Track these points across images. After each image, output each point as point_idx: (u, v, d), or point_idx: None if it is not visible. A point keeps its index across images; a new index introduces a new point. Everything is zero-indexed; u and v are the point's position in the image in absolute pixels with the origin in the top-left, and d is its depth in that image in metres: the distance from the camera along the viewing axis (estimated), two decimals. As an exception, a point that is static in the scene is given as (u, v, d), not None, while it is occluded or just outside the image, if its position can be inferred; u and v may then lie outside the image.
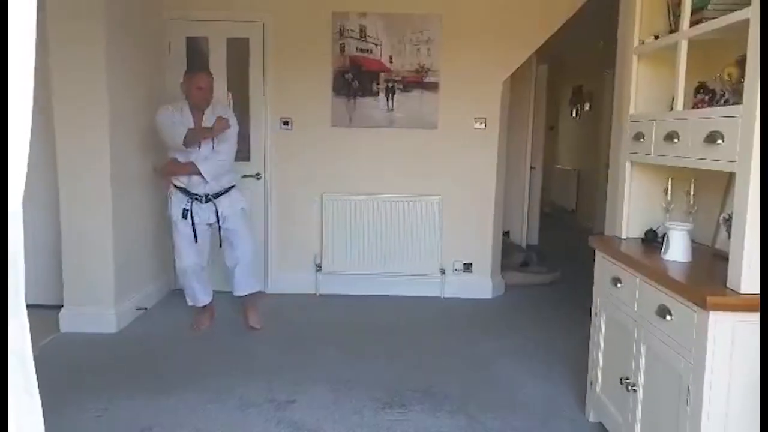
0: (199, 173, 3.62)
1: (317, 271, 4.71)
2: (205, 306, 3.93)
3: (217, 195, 3.74)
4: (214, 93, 3.75)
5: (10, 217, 0.92)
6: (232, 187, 3.85)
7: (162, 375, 3.20)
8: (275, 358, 3.45)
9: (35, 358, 1.04)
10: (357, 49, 4.54)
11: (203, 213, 3.74)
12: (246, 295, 3.91)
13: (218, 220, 3.76)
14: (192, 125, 3.63)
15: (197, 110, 3.69)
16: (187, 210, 3.71)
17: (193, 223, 3.71)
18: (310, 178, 4.68)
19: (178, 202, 3.73)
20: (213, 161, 3.65)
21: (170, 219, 3.78)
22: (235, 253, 3.83)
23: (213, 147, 3.66)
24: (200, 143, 3.62)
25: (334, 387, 3.08)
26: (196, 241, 3.74)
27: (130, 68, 3.96)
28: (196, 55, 4.58)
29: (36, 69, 0.95)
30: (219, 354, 3.52)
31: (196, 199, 3.72)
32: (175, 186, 3.73)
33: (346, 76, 4.56)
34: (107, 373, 3.22)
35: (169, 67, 4.51)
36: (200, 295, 3.86)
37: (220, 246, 3.85)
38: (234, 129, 3.75)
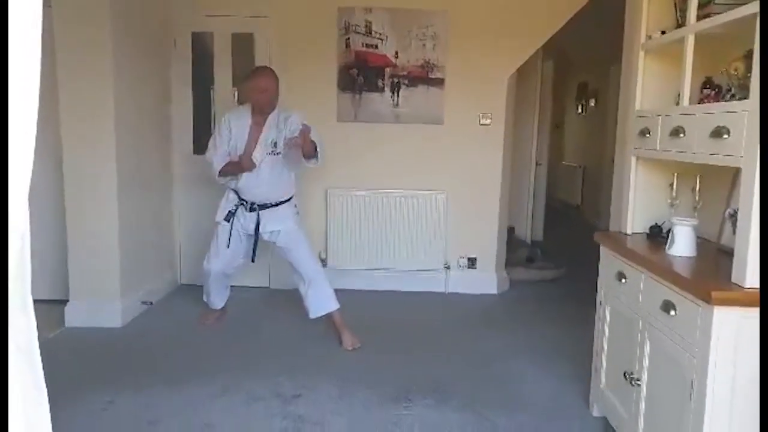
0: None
1: (322, 266, 4.70)
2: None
3: (264, 206, 3.52)
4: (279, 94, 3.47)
5: (17, 212, 0.92)
6: (286, 201, 3.59)
7: (167, 369, 3.22)
8: (281, 353, 3.46)
9: (41, 352, 1.05)
10: (362, 44, 4.53)
11: (245, 221, 3.54)
12: (326, 316, 3.63)
13: (257, 233, 3.54)
14: (245, 134, 3.44)
15: (259, 115, 3.45)
16: (232, 213, 3.54)
17: (230, 229, 3.54)
18: (314, 174, 4.66)
19: (226, 203, 3.58)
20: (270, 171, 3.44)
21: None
22: (300, 273, 3.60)
23: (275, 151, 3.41)
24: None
25: (339, 382, 3.09)
26: (227, 247, 3.56)
27: (136, 65, 3.97)
28: (202, 50, 4.59)
29: (42, 66, 0.95)
30: (225, 349, 3.54)
31: (243, 204, 3.53)
32: (231, 188, 3.58)
33: (352, 71, 4.56)
34: (112, 367, 3.24)
35: (175, 62, 4.53)
36: (214, 298, 3.84)
37: (252, 261, 3.68)
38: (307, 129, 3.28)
